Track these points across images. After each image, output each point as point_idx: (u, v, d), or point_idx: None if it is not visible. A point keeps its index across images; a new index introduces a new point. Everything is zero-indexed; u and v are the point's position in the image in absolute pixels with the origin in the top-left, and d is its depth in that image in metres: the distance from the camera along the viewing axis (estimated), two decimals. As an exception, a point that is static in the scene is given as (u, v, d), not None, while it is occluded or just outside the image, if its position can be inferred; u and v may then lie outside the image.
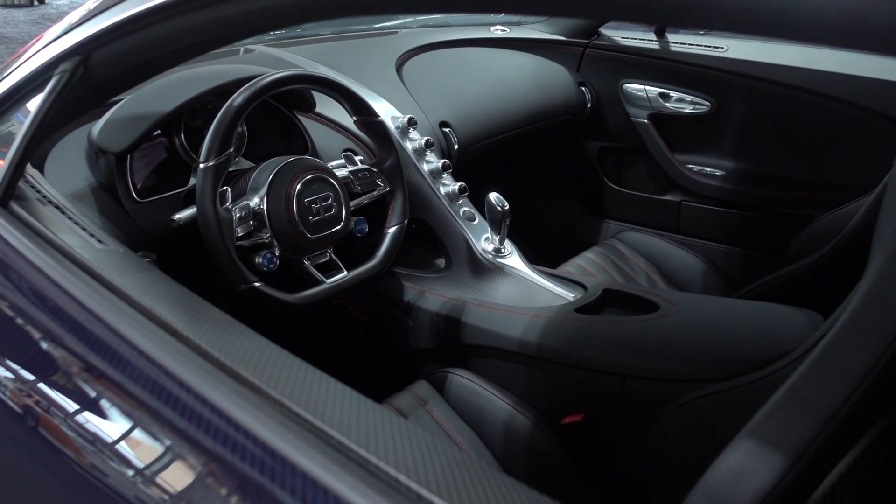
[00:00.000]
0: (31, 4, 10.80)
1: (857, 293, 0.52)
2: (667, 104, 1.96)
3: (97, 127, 1.17)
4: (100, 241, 0.81)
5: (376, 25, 2.19)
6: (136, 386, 0.53)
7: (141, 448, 0.53)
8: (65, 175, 1.16)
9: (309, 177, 1.18)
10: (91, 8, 0.80)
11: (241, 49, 1.81)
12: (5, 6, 10.78)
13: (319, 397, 0.51)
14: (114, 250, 0.80)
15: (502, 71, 1.95)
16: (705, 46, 1.91)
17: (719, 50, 1.88)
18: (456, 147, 1.68)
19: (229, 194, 1.13)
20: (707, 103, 1.90)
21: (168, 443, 0.51)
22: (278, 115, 1.40)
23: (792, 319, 1.17)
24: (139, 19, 0.74)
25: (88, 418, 0.58)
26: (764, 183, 1.88)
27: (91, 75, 0.81)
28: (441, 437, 1.20)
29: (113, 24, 0.76)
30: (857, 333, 0.50)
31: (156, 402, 0.51)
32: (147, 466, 0.52)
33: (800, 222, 1.74)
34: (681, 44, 1.96)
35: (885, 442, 0.50)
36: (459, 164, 1.69)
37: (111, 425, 0.56)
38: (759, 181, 1.89)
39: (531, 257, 1.51)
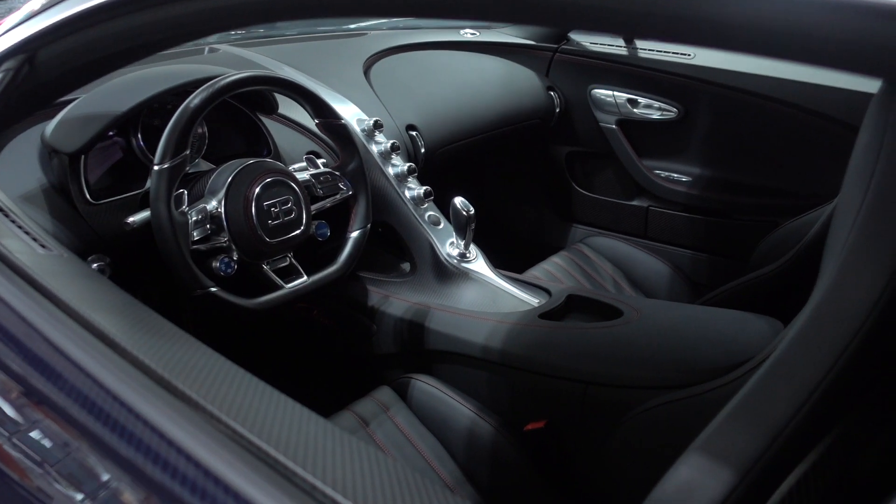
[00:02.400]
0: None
1: (806, 307, 0.52)
2: (635, 110, 1.97)
3: (50, 126, 1.14)
4: (42, 246, 0.79)
5: (345, 27, 2.17)
6: (66, 399, 0.51)
7: (70, 466, 0.51)
8: (15, 176, 1.12)
9: (269, 180, 1.15)
10: (37, 5, 0.78)
11: (206, 48, 1.78)
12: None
13: (259, 411, 0.50)
14: (56, 255, 0.77)
15: (471, 74, 1.95)
16: (673, 53, 1.92)
17: (686, 57, 1.89)
18: (423, 151, 1.66)
19: (186, 197, 1.11)
20: (674, 109, 1.91)
21: (98, 460, 0.49)
22: (241, 116, 1.38)
23: (753, 326, 1.17)
24: (87, 17, 0.72)
25: (12, 431, 0.56)
26: (729, 189, 1.89)
27: (37, 74, 0.79)
28: (384, 452, 1.19)
29: (59, 21, 0.74)
30: (805, 348, 0.50)
31: (86, 418, 0.49)
32: (76, 485, 0.50)
33: (764, 229, 1.76)
34: (649, 50, 1.97)
35: (833, 456, 0.49)
36: (426, 168, 1.68)
37: (36, 439, 0.54)
38: (725, 188, 1.90)
39: (499, 262, 1.51)
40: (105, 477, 0.48)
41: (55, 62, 0.77)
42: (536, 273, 1.75)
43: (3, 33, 0.78)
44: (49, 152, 1.14)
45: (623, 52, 2.00)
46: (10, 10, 0.80)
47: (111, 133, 1.20)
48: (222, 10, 0.63)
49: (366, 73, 1.75)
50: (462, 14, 0.54)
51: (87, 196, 1.13)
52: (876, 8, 0.36)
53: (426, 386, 1.29)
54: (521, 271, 1.68)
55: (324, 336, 1.58)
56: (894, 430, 0.50)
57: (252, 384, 0.55)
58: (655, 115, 1.94)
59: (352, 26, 2.19)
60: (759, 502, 0.48)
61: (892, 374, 0.50)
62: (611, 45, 2.04)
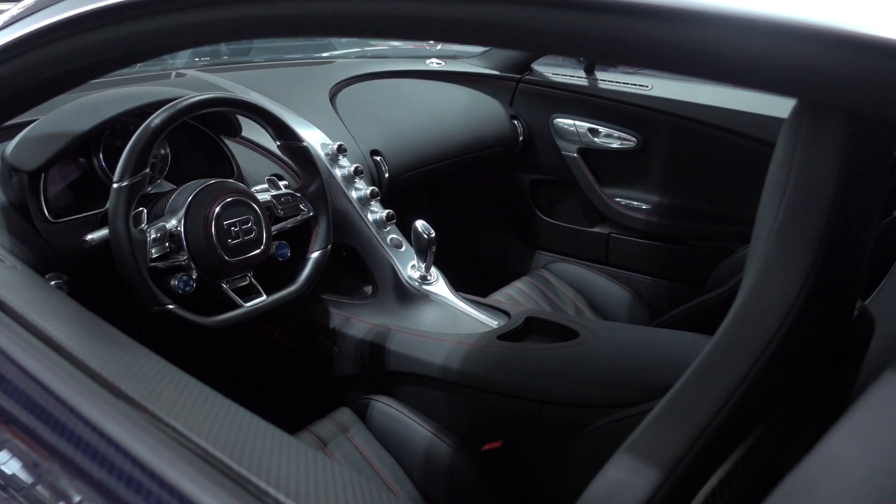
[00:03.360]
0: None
1: (728, 314, 0.55)
2: (595, 139, 2.01)
3: (10, 145, 1.14)
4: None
5: (313, 55, 2.20)
6: (12, 403, 0.52)
7: (15, 467, 0.51)
8: None
9: (229, 199, 1.17)
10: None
11: (174, 73, 1.80)
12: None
13: (201, 413, 0.51)
14: (9, 266, 0.78)
15: (436, 102, 1.98)
16: (632, 84, 1.98)
17: (644, 88, 1.95)
18: (387, 175, 1.69)
19: (145, 215, 1.12)
20: (633, 139, 1.96)
21: (45, 465, 0.49)
22: (205, 138, 1.39)
23: (702, 346, 1.19)
24: (39, 37, 0.73)
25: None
26: (687, 217, 1.94)
27: None
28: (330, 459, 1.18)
29: (10, 41, 0.75)
30: (725, 352, 0.52)
31: (34, 421, 0.50)
32: (13, 485, 0.50)
33: (720, 254, 1.80)
34: (609, 81, 2.03)
35: (756, 456, 0.51)
36: (390, 193, 1.70)
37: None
38: (683, 215, 1.95)
39: (463, 286, 1.52)
40: (45, 473, 0.48)
41: (4, 83, 0.78)
42: (499, 297, 1.77)
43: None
44: (9, 171, 1.14)
45: (584, 82, 2.06)
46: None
47: (74, 153, 1.21)
48: (174, 30, 0.65)
49: (332, 99, 1.78)
50: (431, 35, 0.55)
51: (47, 214, 1.14)
52: (788, 29, 0.38)
53: (385, 407, 1.30)
54: (484, 296, 1.70)
55: (285, 358, 1.58)
56: (813, 430, 0.52)
57: (197, 388, 0.56)
58: (615, 144, 1.99)
59: (323, 55, 2.22)
60: (685, 500, 0.50)
61: (809, 376, 0.53)
62: (572, 75, 2.09)
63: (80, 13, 0.68)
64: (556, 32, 0.46)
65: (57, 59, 0.73)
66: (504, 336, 1.30)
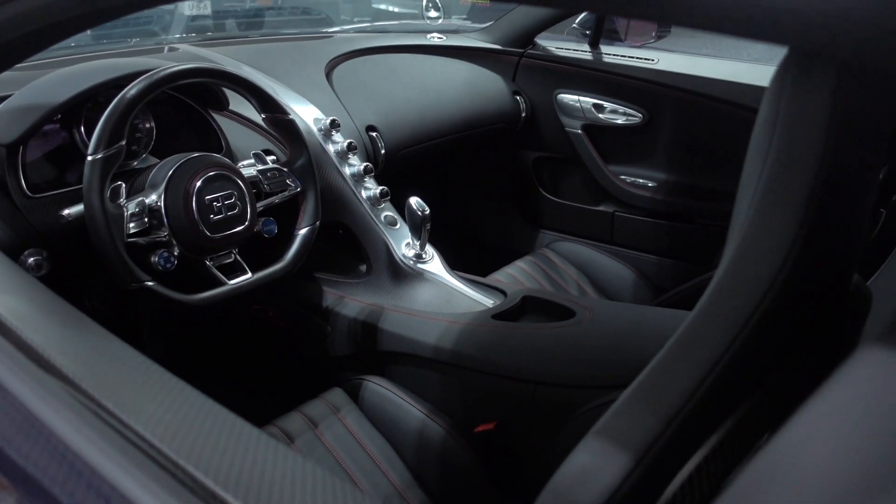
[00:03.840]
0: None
1: (708, 288, 0.51)
2: (600, 115, 1.96)
3: None
4: None
5: (311, 31, 2.16)
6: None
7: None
8: None
9: (211, 174, 1.13)
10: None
11: (166, 48, 1.77)
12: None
13: (136, 391, 0.47)
14: None
15: (435, 78, 1.94)
16: (637, 58, 1.92)
17: (650, 62, 1.89)
18: (383, 152, 1.65)
19: (124, 190, 1.08)
20: (639, 115, 1.91)
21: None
22: (192, 112, 1.36)
23: None
24: None
25: None
26: (693, 194, 1.89)
27: None
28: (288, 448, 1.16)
29: None
30: (703, 326, 0.48)
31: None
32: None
33: (726, 233, 1.75)
34: (614, 55, 1.97)
35: (733, 441, 0.48)
36: (387, 170, 1.66)
37: None
38: (689, 193, 1.90)
39: (465, 265, 1.49)
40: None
41: None
42: (500, 277, 1.73)
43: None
44: None
45: (588, 56, 2.00)
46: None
47: (55, 125, 1.18)
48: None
49: (328, 74, 1.74)
50: None
51: (25, 189, 1.11)
52: None
53: (378, 387, 1.27)
54: (485, 275, 1.67)
55: (278, 337, 1.55)
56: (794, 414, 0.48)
57: (143, 365, 0.52)
58: (620, 121, 1.94)
59: (320, 30, 2.18)
60: (657, 487, 0.47)
61: (795, 353, 0.48)
62: (576, 49, 2.04)
63: None
64: None
65: (35, 12, 0.70)
66: (499, 315, 1.27)
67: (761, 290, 0.45)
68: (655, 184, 1.94)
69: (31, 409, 0.43)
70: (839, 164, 0.43)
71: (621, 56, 1.95)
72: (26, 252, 1.09)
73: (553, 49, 2.08)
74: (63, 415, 0.42)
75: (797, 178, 0.44)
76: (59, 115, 1.16)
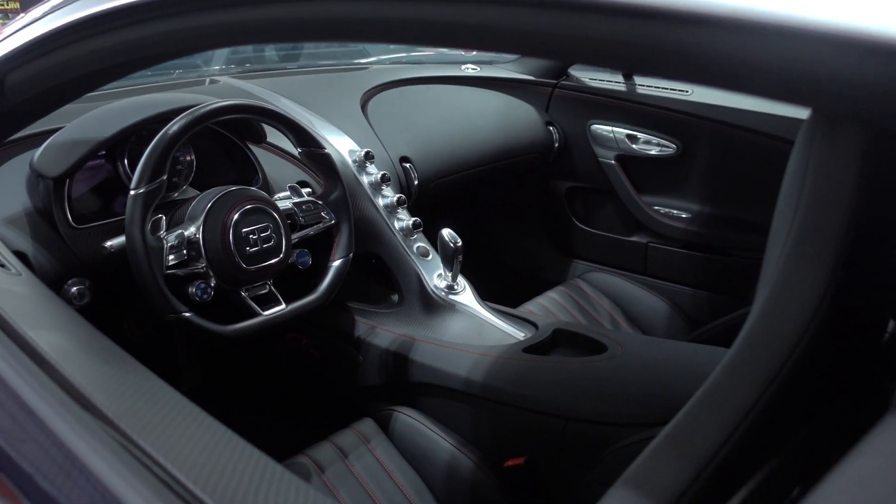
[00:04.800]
0: None
1: (739, 336, 0.50)
2: (634, 145, 1.96)
3: (38, 152, 1.16)
4: (1, 266, 0.79)
5: (347, 62, 2.20)
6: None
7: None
8: (2, 200, 1.14)
9: (248, 207, 1.16)
10: (8, 28, 0.79)
11: (207, 80, 1.81)
12: None
13: (175, 431, 0.49)
14: (14, 274, 0.77)
15: (468, 108, 1.96)
16: (671, 90, 1.92)
17: (684, 93, 1.88)
18: (416, 182, 1.67)
19: (164, 222, 1.11)
20: (673, 146, 1.90)
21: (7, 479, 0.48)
22: (231, 145, 1.39)
23: None
24: (52, 39, 0.73)
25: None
26: (729, 226, 1.87)
27: (6, 98, 0.80)
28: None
29: (28, 42, 0.75)
30: (733, 377, 0.48)
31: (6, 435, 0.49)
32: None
33: (761, 266, 1.73)
34: (648, 86, 1.97)
35: (765, 494, 0.47)
36: (420, 200, 1.68)
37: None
38: (724, 224, 1.88)
39: (495, 295, 1.49)
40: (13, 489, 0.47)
41: (24, 85, 0.78)
42: (531, 308, 1.73)
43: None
44: (36, 177, 1.15)
45: (622, 87, 2.00)
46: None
47: (100, 158, 1.22)
48: (186, 33, 0.64)
49: (363, 105, 1.77)
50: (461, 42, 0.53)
51: (70, 220, 1.15)
52: (804, 34, 0.35)
53: (408, 419, 1.27)
54: (517, 305, 1.66)
55: (311, 366, 1.57)
56: (828, 466, 0.47)
57: (179, 405, 0.54)
58: (654, 151, 1.94)
59: (355, 61, 2.22)
60: None
61: (827, 405, 0.48)
62: (610, 80, 2.04)
63: (103, 10, 0.67)
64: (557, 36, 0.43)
65: (77, 61, 0.73)
66: (530, 349, 1.26)
67: (792, 342, 0.45)
68: (689, 215, 1.92)
69: (71, 448, 0.44)
70: (870, 218, 0.43)
71: (655, 87, 1.95)
72: (70, 281, 1.13)
73: (586, 80, 2.09)
74: (102, 454, 0.43)
75: (827, 231, 0.44)
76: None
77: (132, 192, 1.05)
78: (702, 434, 0.47)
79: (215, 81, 1.77)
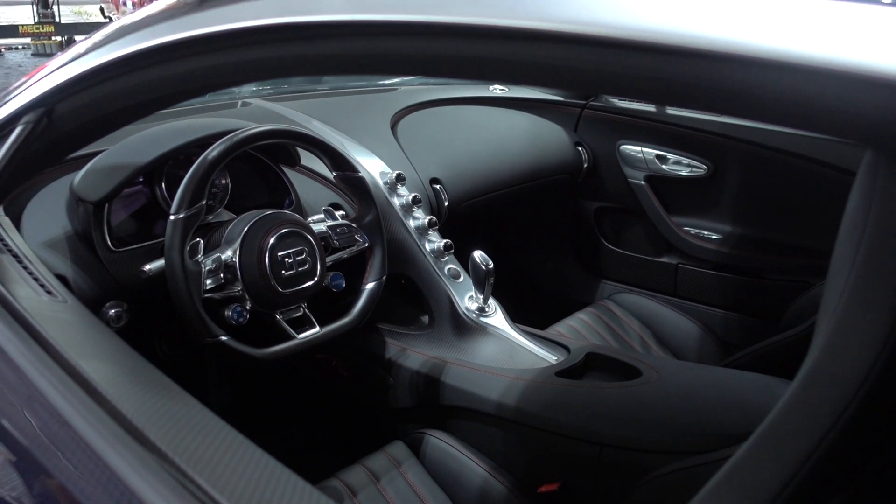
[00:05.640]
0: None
1: (799, 373, 0.50)
2: (664, 166, 1.95)
3: (78, 176, 1.18)
4: (48, 293, 0.80)
5: (376, 83, 2.21)
6: (38, 442, 0.51)
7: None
8: (42, 224, 1.16)
9: (284, 230, 1.17)
10: (57, 61, 0.81)
11: (239, 102, 1.83)
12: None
13: (229, 466, 0.49)
14: (60, 301, 0.79)
15: (497, 129, 1.96)
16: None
17: (715, 114, 1.88)
18: (446, 204, 1.67)
19: (201, 246, 1.13)
20: (704, 166, 1.89)
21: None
22: (265, 168, 1.40)
23: (774, 391, 1.13)
24: (100, 72, 0.74)
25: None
26: (761, 248, 1.85)
27: (54, 127, 0.81)
28: None
29: (76, 75, 0.77)
30: (795, 417, 0.47)
31: (56, 462, 0.49)
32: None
33: (796, 289, 1.71)
34: (677, 107, 1.96)
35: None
36: (450, 221, 1.68)
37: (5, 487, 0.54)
38: (756, 246, 1.86)
39: (524, 317, 1.49)
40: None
41: (72, 115, 0.80)
42: (561, 329, 1.72)
43: (25, 88, 0.82)
44: (76, 201, 1.17)
45: (651, 108, 2.00)
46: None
47: (138, 183, 1.24)
48: (226, 67, 0.65)
49: (393, 127, 1.78)
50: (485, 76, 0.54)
51: (109, 244, 1.16)
52: (858, 77, 0.35)
53: (440, 442, 1.27)
54: (545, 327, 1.66)
55: (341, 387, 1.57)
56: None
57: (228, 438, 0.54)
58: (684, 172, 1.92)
59: (384, 82, 2.23)
60: None
61: (891, 446, 0.47)
62: (639, 101, 2.04)
63: (153, 46, 0.69)
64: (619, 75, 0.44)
65: (123, 93, 0.75)
66: (562, 373, 1.25)
67: (857, 380, 0.44)
68: (720, 236, 1.91)
69: (129, 484, 0.45)
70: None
71: (685, 108, 1.94)
72: (108, 304, 1.14)
73: (616, 100, 2.09)
74: (161, 492, 0.44)
75: (891, 272, 0.43)
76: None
77: (172, 218, 1.06)
78: (763, 474, 0.46)
79: (247, 104, 1.80)
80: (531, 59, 0.47)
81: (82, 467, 0.49)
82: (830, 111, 0.38)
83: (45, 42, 11.59)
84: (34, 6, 12.11)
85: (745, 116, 0.43)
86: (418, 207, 1.51)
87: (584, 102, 2.11)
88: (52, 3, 12.25)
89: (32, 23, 11.99)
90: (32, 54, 11.60)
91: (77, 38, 11.70)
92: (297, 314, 1.22)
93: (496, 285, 1.38)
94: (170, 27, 0.68)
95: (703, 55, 0.39)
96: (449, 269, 1.47)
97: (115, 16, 13.19)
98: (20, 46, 12.23)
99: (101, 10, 13.23)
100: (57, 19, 12.18)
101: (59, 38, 11.64)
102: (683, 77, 0.41)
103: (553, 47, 0.46)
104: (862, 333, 0.45)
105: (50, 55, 11.36)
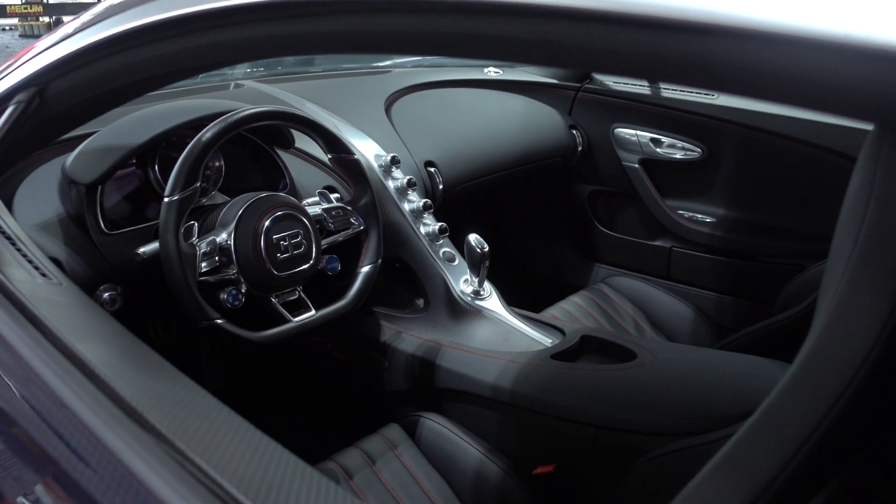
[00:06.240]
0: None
1: (799, 354, 0.50)
2: (658, 149, 1.95)
3: (70, 158, 1.16)
4: (43, 275, 0.80)
5: (370, 65, 2.20)
6: (36, 425, 0.51)
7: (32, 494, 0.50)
8: (35, 206, 1.15)
9: (279, 213, 1.16)
10: (48, 39, 0.80)
11: (232, 84, 1.82)
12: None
13: (229, 448, 0.48)
14: (55, 284, 0.78)
15: (492, 112, 1.95)
16: (696, 93, 1.90)
17: (710, 97, 1.87)
18: (441, 187, 1.67)
19: (196, 229, 1.12)
20: (698, 150, 1.89)
21: (59, 489, 0.48)
22: (259, 150, 1.39)
23: (769, 372, 1.13)
24: (92, 51, 0.73)
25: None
26: (754, 231, 1.85)
27: (47, 107, 0.80)
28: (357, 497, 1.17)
29: (67, 55, 0.75)
30: (795, 398, 0.47)
31: (54, 445, 0.49)
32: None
33: (790, 272, 1.71)
34: (672, 90, 1.96)
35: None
36: (445, 204, 1.68)
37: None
38: (750, 229, 1.86)
39: (519, 300, 1.49)
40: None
41: (65, 95, 0.79)
42: (555, 312, 1.72)
43: (16, 67, 0.80)
44: (68, 183, 1.16)
45: (646, 91, 1.99)
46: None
47: (131, 164, 1.23)
48: (221, 46, 0.64)
49: (387, 109, 1.77)
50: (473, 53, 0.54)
51: (102, 226, 1.15)
52: (867, 51, 0.35)
53: (435, 425, 1.27)
54: (540, 310, 1.66)
55: (336, 370, 1.57)
56: (893, 489, 0.47)
57: (228, 420, 0.54)
58: (679, 155, 1.92)
59: (377, 64, 2.21)
60: None
61: (889, 428, 0.47)
62: (634, 84, 2.03)
63: (144, 24, 0.68)
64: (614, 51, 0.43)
65: (116, 72, 0.74)
66: (558, 355, 1.26)
67: (856, 363, 0.44)
68: (714, 219, 1.91)
69: (130, 465, 0.45)
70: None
71: (680, 91, 1.94)
72: (101, 287, 1.13)
73: (610, 83, 2.08)
74: (161, 473, 0.43)
75: (893, 253, 0.43)
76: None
77: (166, 200, 1.05)
78: (762, 456, 0.46)
79: (240, 85, 1.78)
80: (525, 35, 0.47)
81: (82, 450, 0.48)
82: (838, 89, 0.37)
83: (32, 23, 11.46)
84: (21, -14, 11.96)
85: (749, 95, 0.42)
86: (413, 190, 1.51)
87: (578, 85, 2.10)
88: (39, -17, 12.10)
89: (20, 2, 11.84)
90: (20, 35, 11.47)
91: (65, 18, 11.59)
92: (293, 297, 1.22)
93: (491, 267, 1.38)
94: (160, 6, 0.67)
95: (709, 30, 0.39)
96: (444, 253, 1.46)
97: (103, -4, 13.02)
98: (7, 28, 12.08)
99: (89, -10, 13.07)
100: (44, -1, 12.05)
101: (46, 19, 11.50)
102: (687, 54, 0.40)
103: (551, 23, 0.45)
104: (863, 315, 0.45)
105: (38, 36, 11.26)
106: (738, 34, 0.38)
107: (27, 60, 0.80)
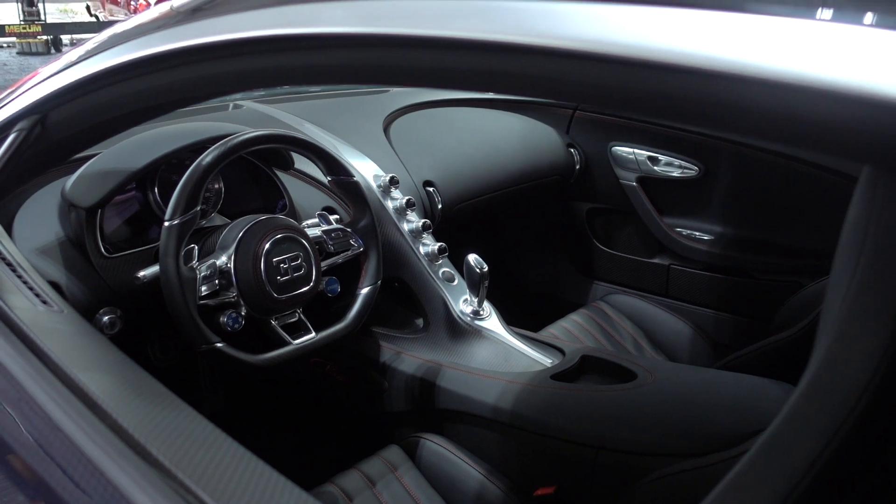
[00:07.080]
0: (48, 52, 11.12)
1: (803, 379, 0.50)
2: (655, 167, 1.96)
3: (70, 181, 1.17)
4: (44, 303, 0.80)
5: (369, 85, 2.21)
6: (39, 458, 0.51)
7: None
8: (34, 230, 1.15)
9: (279, 236, 1.16)
10: (51, 67, 0.80)
11: (231, 105, 1.83)
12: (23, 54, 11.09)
13: (233, 480, 0.48)
14: (56, 312, 0.78)
15: (490, 131, 1.96)
16: (693, 112, 1.91)
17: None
18: (440, 206, 1.67)
19: (196, 252, 1.12)
20: (695, 168, 1.90)
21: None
22: (258, 172, 1.40)
23: (769, 393, 1.13)
24: (94, 81, 0.74)
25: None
26: (752, 249, 1.86)
27: (48, 134, 0.81)
28: None
29: (69, 84, 0.76)
30: (798, 424, 0.47)
31: (57, 478, 0.49)
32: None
33: (788, 289, 1.72)
34: (669, 108, 1.96)
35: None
36: (443, 224, 1.68)
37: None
38: (748, 247, 1.87)
39: (517, 318, 1.49)
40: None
41: (66, 123, 0.79)
42: (554, 331, 1.72)
43: (18, 95, 0.81)
44: (68, 206, 1.16)
45: (643, 110, 2.00)
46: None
47: (130, 187, 1.23)
48: (219, 77, 0.65)
49: (386, 129, 1.78)
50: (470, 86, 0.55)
51: (102, 250, 1.15)
52: (860, 97, 0.36)
53: (436, 446, 1.27)
54: (539, 328, 1.66)
55: (336, 392, 1.57)
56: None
57: (231, 451, 0.54)
58: (676, 173, 1.93)
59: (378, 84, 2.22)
60: None
61: (891, 454, 0.47)
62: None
63: (146, 55, 0.68)
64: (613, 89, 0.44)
65: (116, 101, 0.74)
66: (558, 376, 1.26)
67: (857, 391, 0.45)
68: (712, 237, 1.92)
69: (132, 499, 0.44)
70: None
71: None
72: (101, 311, 1.13)
73: None
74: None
75: (892, 284, 0.43)
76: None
77: (167, 224, 1.05)
78: (766, 484, 0.46)
79: (238, 106, 1.79)
80: (521, 72, 0.48)
81: (84, 483, 0.48)
82: (829, 131, 0.38)
83: (30, 41, 11.50)
84: (19, 4, 12.00)
85: (740, 134, 0.43)
86: (412, 210, 1.51)
87: (575, 104, 2.12)
88: (38, 1, 12.14)
89: (18, 22, 11.88)
90: (17, 53, 11.50)
91: (63, 37, 11.61)
92: (293, 320, 1.22)
93: (489, 286, 1.39)
94: (163, 37, 0.67)
95: (708, 74, 0.39)
96: (443, 273, 1.47)
97: (102, 14, 13.08)
98: (5, 45, 12.12)
99: (88, 8, 13.12)
100: (42, 18, 12.07)
101: (44, 38, 11.54)
102: (682, 94, 0.41)
103: (545, 61, 0.46)
104: (862, 344, 0.45)
105: (35, 53, 11.27)
106: (737, 79, 0.39)
107: (29, 88, 0.81)
